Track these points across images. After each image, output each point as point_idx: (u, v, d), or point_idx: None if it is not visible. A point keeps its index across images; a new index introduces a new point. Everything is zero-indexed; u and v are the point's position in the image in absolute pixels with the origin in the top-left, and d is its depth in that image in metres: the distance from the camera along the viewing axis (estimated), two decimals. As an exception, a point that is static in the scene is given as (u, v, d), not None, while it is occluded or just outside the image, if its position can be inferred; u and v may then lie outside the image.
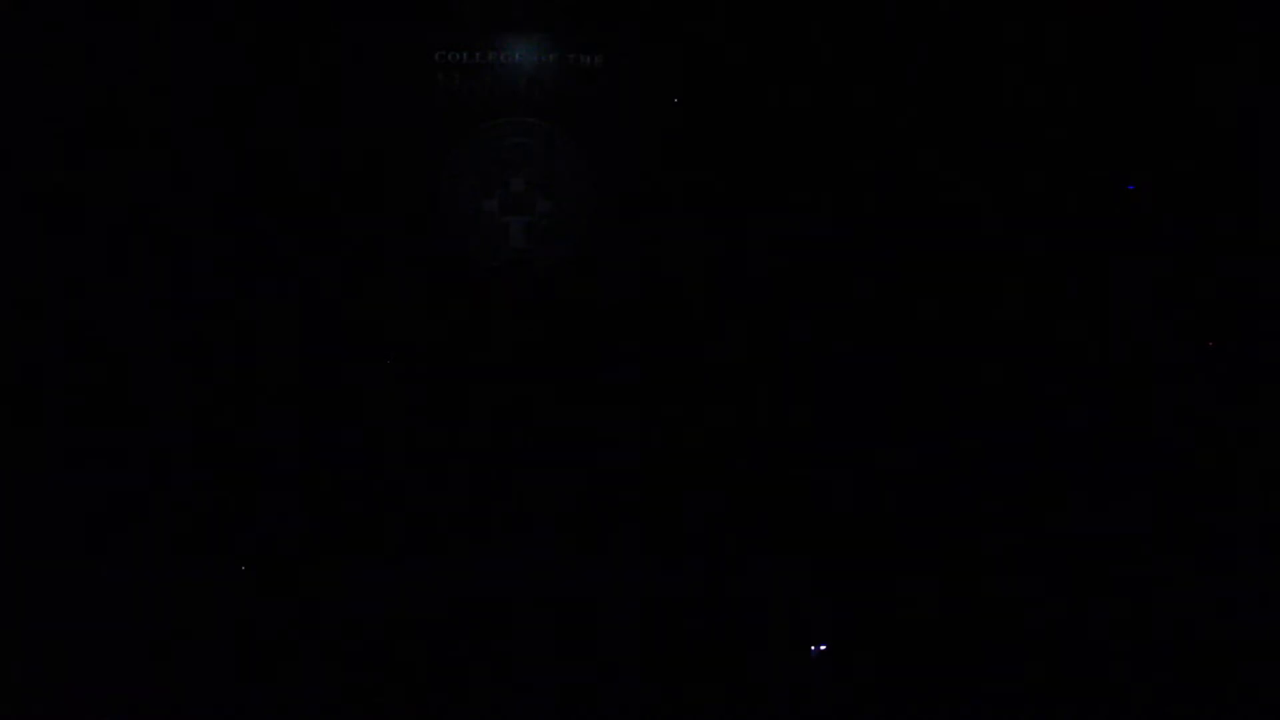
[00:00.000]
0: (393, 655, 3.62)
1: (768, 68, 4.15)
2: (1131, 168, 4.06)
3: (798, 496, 3.92)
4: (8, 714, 3.43)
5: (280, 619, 3.65)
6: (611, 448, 3.94)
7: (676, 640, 3.66)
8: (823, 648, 3.66)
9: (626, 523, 3.92)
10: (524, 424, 3.88)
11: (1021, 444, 3.91)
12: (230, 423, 3.77)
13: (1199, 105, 4.00)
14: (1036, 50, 4.08)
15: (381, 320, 4.12)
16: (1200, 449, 3.81)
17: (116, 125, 3.81)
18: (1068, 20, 4.06)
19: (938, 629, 3.71)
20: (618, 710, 3.50)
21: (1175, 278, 3.95)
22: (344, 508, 3.76)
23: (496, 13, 4.26)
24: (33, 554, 3.62)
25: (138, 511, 3.69)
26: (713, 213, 4.15)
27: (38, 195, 3.81)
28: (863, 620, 3.74)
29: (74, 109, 3.81)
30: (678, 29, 4.21)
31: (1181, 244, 3.97)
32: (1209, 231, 3.96)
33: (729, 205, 4.14)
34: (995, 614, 3.72)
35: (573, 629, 3.65)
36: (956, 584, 3.76)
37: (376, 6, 4.17)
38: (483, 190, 4.32)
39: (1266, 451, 3.77)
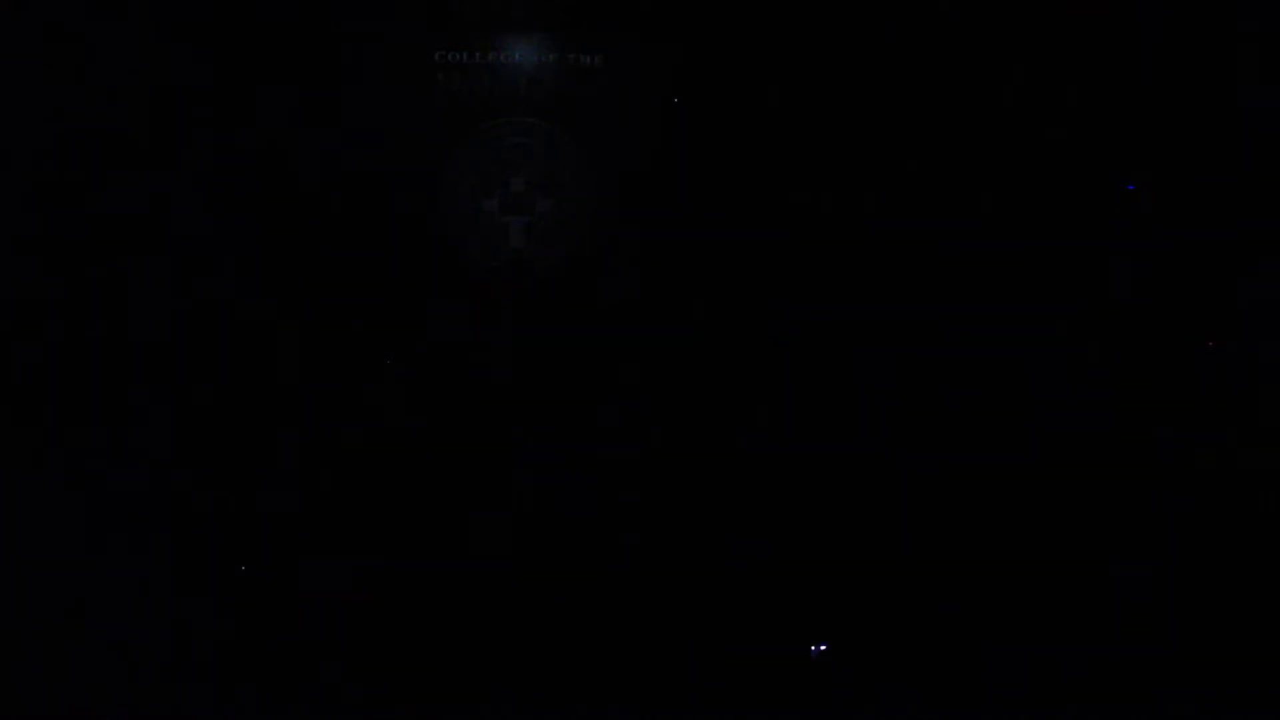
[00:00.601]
0: (392, 654, 3.62)
1: (768, 67, 4.15)
2: (1131, 168, 4.06)
3: (798, 496, 3.92)
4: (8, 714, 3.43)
5: (279, 618, 3.65)
6: (611, 447, 3.94)
7: (676, 640, 3.66)
8: (823, 648, 3.66)
9: (626, 522, 3.93)
10: (523, 423, 3.88)
11: (1020, 443, 3.91)
12: (229, 422, 3.77)
13: (1199, 105, 4.00)
14: (1036, 50, 4.08)
15: (381, 320, 4.12)
16: (1200, 449, 3.81)
17: (115, 125, 3.81)
18: (1068, 20, 4.06)
19: (937, 629, 3.71)
20: (618, 709, 3.50)
21: (1175, 278, 3.96)
22: (344, 507, 3.76)
23: (496, 13, 4.26)
24: (31, 553, 3.62)
25: (136, 511, 3.69)
26: (713, 212, 4.15)
27: (41, 196, 3.81)
28: (863, 620, 3.74)
29: (72, 109, 3.81)
30: (678, 29, 4.21)
31: (1182, 244, 3.97)
32: (1209, 231, 3.96)
33: (729, 205, 4.14)
34: (994, 614, 3.72)
35: (572, 628, 3.65)
36: (956, 584, 3.75)
37: (376, 6, 4.17)
38: (483, 190, 4.32)
39: (1267, 451, 3.77)
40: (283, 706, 3.54)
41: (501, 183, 4.29)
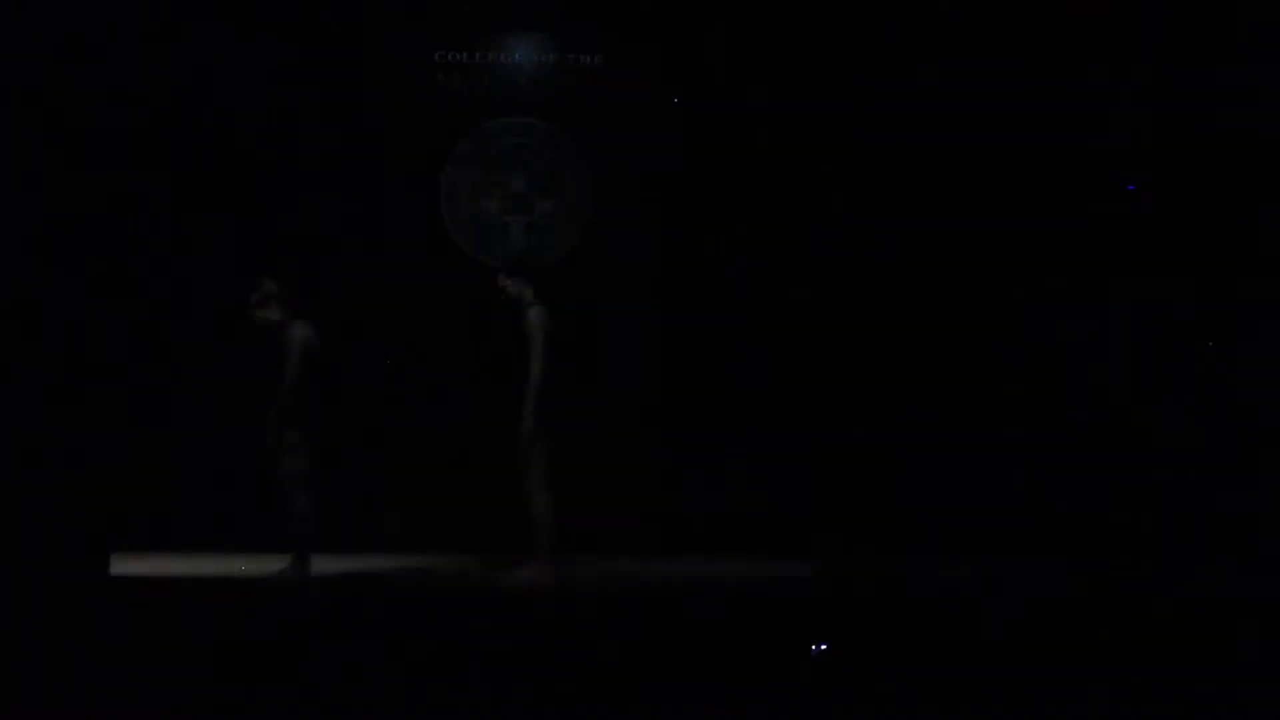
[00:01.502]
0: (390, 652, 3.61)
1: (767, 68, 4.16)
2: (1132, 169, 4.07)
3: (798, 496, 3.92)
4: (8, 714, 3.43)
5: (278, 617, 3.64)
6: (611, 446, 3.94)
7: (676, 639, 3.65)
8: (823, 647, 3.65)
9: (626, 521, 3.92)
10: (523, 422, 3.88)
11: (1018, 443, 3.91)
12: (230, 421, 3.77)
13: (1200, 107, 4.00)
14: (1036, 52, 4.08)
15: (381, 319, 4.12)
16: (1199, 448, 3.81)
17: (116, 124, 3.82)
18: (1071, 23, 4.07)
19: (937, 630, 3.70)
20: (618, 709, 3.49)
21: (1174, 278, 3.96)
22: (344, 504, 3.76)
23: (496, 13, 4.26)
24: (31, 553, 3.62)
25: (136, 510, 3.69)
26: (712, 212, 4.16)
27: (37, 195, 3.81)
28: (863, 621, 3.73)
29: (75, 108, 3.81)
30: (677, 29, 4.21)
31: (1181, 245, 3.97)
32: (1209, 232, 3.96)
33: (728, 205, 4.14)
34: (993, 615, 3.71)
35: (572, 628, 3.64)
36: (956, 584, 3.75)
37: (376, 6, 4.17)
38: (483, 190, 4.33)
39: (1266, 451, 3.76)
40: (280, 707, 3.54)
41: (501, 183, 4.30)
